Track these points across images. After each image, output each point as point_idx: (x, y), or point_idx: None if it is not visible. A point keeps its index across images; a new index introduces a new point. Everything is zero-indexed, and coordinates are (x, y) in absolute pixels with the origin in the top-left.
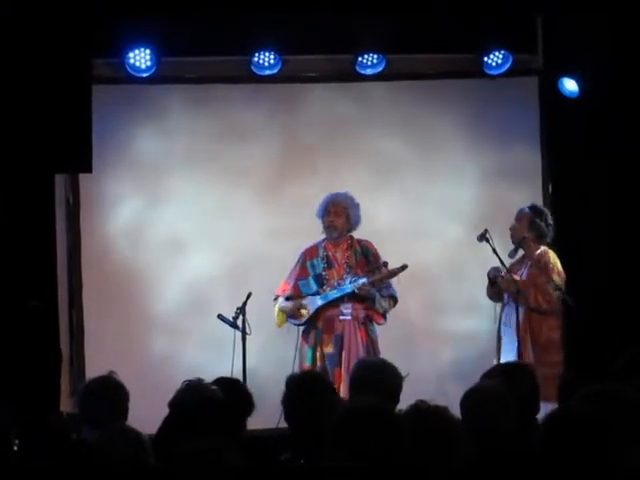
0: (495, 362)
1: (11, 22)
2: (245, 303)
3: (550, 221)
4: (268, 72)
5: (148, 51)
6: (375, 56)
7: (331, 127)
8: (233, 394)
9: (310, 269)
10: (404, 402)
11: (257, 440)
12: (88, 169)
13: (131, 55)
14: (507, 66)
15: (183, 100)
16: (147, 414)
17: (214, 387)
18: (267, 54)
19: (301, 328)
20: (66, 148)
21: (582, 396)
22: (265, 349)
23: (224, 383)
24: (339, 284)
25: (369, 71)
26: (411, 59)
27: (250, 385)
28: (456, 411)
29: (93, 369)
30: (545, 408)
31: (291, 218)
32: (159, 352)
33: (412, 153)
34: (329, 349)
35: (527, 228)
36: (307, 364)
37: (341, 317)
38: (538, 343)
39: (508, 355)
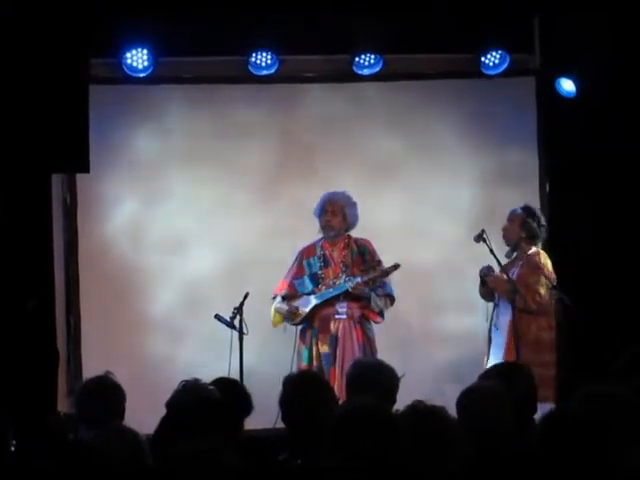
0: (485, 363)
1: (8, 22)
2: (242, 303)
3: (543, 222)
4: (265, 72)
5: (145, 51)
6: (372, 56)
7: (328, 127)
8: (232, 395)
9: (306, 268)
10: (401, 402)
11: (255, 440)
12: (85, 169)
13: (128, 55)
14: (504, 66)
15: (180, 100)
16: (144, 414)
17: (211, 387)
18: (264, 54)
19: (299, 328)
20: (63, 148)
21: (580, 396)
22: (262, 349)
23: (223, 384)
24: (334, 283)
25: (366, 71)
26: (408, 59)
27: (247, 385)
28: (453, 411)
29: (90, 369)
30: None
31: (289, 218)
32: (156, 352)
33: (409, 153)
34: (325, 348)
35: (519, 229)
36: (304, 364)
37: (336, 316)
38: (526, 343)
39: (496, 356)
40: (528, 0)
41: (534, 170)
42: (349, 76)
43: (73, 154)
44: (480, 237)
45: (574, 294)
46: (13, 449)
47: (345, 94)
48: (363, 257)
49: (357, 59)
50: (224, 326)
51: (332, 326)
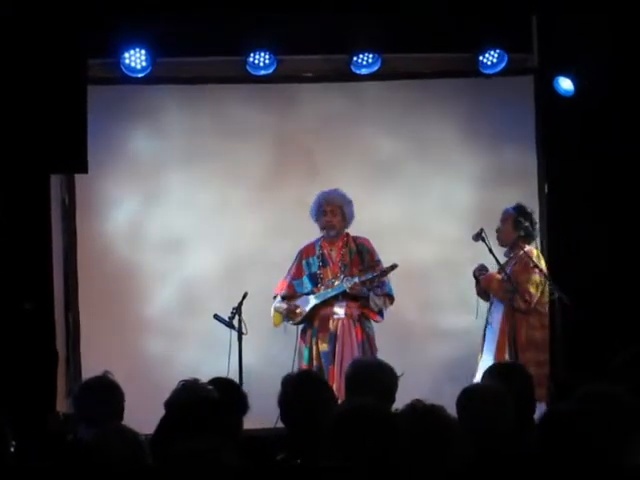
0: (478, 360)
1: (6, 22)
2: (241, 303)
3: (535, 220)
4: (263, 72)
5: (143, 51)
6: (370, 56)
7: (327, 127)
8: (228, 394)
9: (306, 268)
10: (399, 401)
11: (254, 440)
12: (84, 169)
13: (126, 55)
14: (502, 65)
15: (179, 100)
16: (144, 414)
17: (210, 387)
18: (262, 54)
19: (300, 327)
20: (61, 148)
21: (579, 396)
22: (261, 349)
23: (219, 383)
24: (333, 283)
25: (364, 71)
26: (406, 58)
27: (246, 385)
28: (452, 410)
29: (89, 369)
30: None
31: (288, 218)
32: (155, 352)
33: (408, 152)
34: (324, 347)
35: (512, 228)
36: (304, 363)
37: (335, 316)
38: (518, 342)
39: (488, 354)
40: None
41: (532, 169)
42: (347, 76)
43: (71, 155)
44: (479, 236)
45: (573, 293)
46: (13, 450)
47: (343, 94)
48: (362, 256)
49: (355, 58)
50: (223, 326)
51: (331, 325)
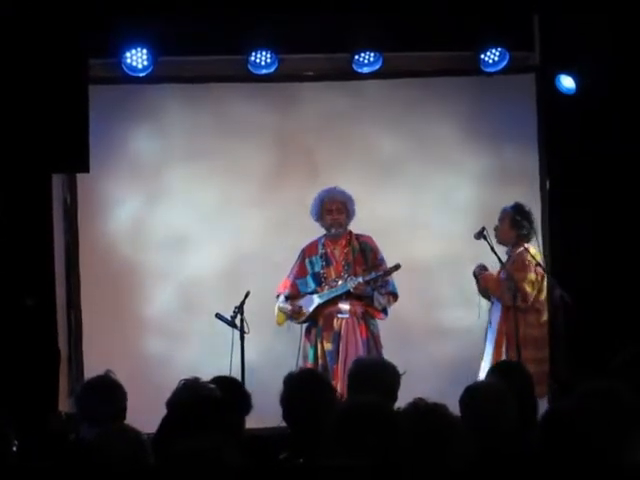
0: (481, 360)
1: (8, 22)
2: (243, 302)
3: (533, 219)
4: (265, 71)
5: (145, 51)
6: (372, 54)
7: (328, 125)
8: (230, 393)
9: (309, 267)
10: (402, 400)
11: (256, 439)
12: (85, 169)
13: (128, 55)
14: (504, 63)
15: (180, 99)
16: (146, 413)
17: (211, 386)
18: (264, 53)
19: (304, 327)
20: (63, 148)
21: (580, 393)
22: (264, 348)
23: (222, 382)
24: (336, 283)
25: (366, 69)
26: (408, 57)
27: (249, 384)
28: (454, 408)
29: (91, 369)
30: None
31: (290, 216)
32: (158, 351)
33: (409, 151)
34: (328, 346)
35: (510, 227)
36: (310, 362)
37: (339, 315)
38: (515, 341)
39: (487, 355)
40: None
41: (534, 167)
42: (349, 74)
43: (73, 154)
44: (480, 234)
45: (574, 291)
46: (15, 449)
47: (345, 92)
48: (365, 255)
49: (357, 57)
50: (225, 325)
51: (335, 323)
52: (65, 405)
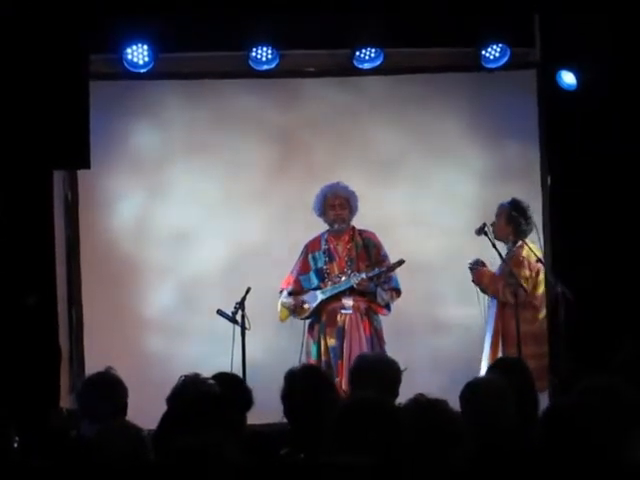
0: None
1: (8, 18)
2: (244, 298)
3: (530, 214)
4: (266, 67)
5: (146, 47)
6: (373, 50)
7: (329, 121)
8: (232, 389)
9: (312, 262)
10: (403, 396)
11: (257, 435)
12: (86, 165)
13: (129, 51)
14: (505, 59)
15: (181, 95)
16: (148, 410)
17: (211, 381)
18: (264, 49)
19: (307, 323)
20: (64, 144)
21: (581, 389)
22: (265, 344)
23: (223, 378)
24: (340, 279)
25: (367, 65)
26: (409, 53)
27: (250, 380)
28: (454, 404)
29: (92, 366)
30: None
31: (291, 212)
32: (159, 348)
33: (410, 147)
34: (332, 342)
35: (506, 223)
36: (313, 359)
37: (342, 311)
38: (511, 337)
39: (486, 350)
40: None
41: (535, 163)
42: (350, 70)
43: (74, 150)
44: (482, 230)
45: (575, 288)
46: (16, 446)
47: (346, 88)
48: (368, 251)
49: (358, 53)
50: (226, 321)
51: (339, 319)
52: (66, 402)
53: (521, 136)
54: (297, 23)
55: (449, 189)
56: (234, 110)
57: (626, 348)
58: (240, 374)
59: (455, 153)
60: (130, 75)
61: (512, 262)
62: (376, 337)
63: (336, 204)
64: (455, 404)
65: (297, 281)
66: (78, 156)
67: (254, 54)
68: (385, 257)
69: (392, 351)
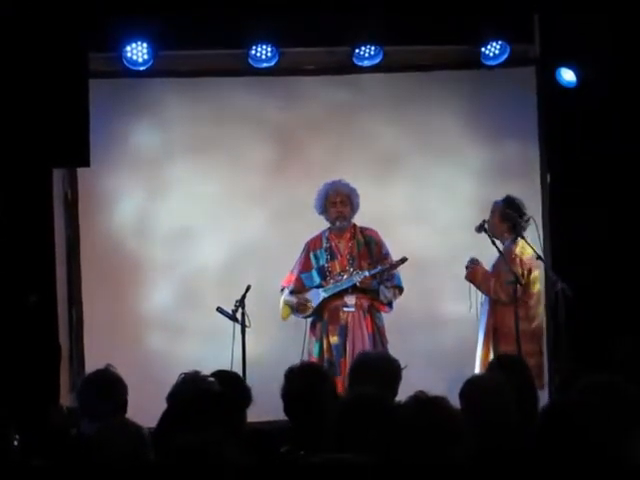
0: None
1: (8, 16)
2: (244, 296)
3: (524, 211)
4: (265, 65)
5: (145, 44)
6: (372, 48)
7: (329, 119)
8: (231, 387)
9: (313, 261)
10: (402, 393)
11: (257, 433)
12: (86, 163)
13: (128, 49)
14: (504, 56)
15: (181, 93)
16: (148, 408)
17: (211, 379)
18: (264, 47)
19: (309, 321)
20: (64, 142)
21: (581, 387)
22: (265, 342)
23: (222, 376)
24: (342, 277)
25: (366, 63)
26: (408, 50)
27: (250, 378)
28: (454, 400)
29: (92, 364)
30: None
31: (291, 210)
32: (159, 346)
33: (410, 144)
34: (334, 340)
35: (500, 220)
36: (315, 357)
37: (345, 309)
38: (502, 334)
39: (479, 348)
40: None
41: (535, 160)
42: (349, 68)
43: (73, 148)
44: (481, 227)
45: (575, 285)
46: (16, 444)
47: (345, 86)
48: (370, 248)
49: (357, 51)
50: (226, 319)
51: (341, 317)
52: (66, 400)
53: (521, 133)
54: (296, 21)
55: (449, 186)
56: (234, 108)
57: (626, 346)
58: (240, 372)
59: (454, 150)
60: (130, 73)
61: (504, 259)
62: (378, 335)
63: (337, 201)
64: (453, 401)
65: (299, 279)
66: (78, 154)
67: (254, 52)
68: (387, 255)
69: (392, 347)
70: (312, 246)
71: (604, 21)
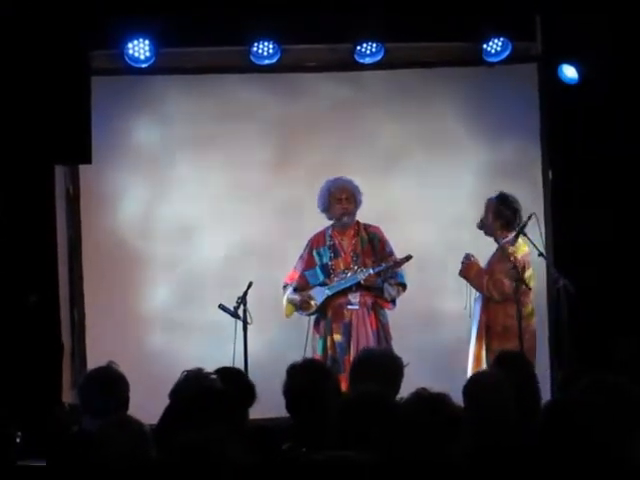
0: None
1: (10, 14)
2: (246, 292)
3: (518, 207)
4: (267, 62)
5: (147, 42)
6: (374, 45)
7: (330, 115)
8: (234, 384)
9: (317, 258)
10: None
11: (260, 429)
12: (87, 160)
13: (130, 46)
14: (506, 53)
15: (182, 90)
16: (150, 406)
17: (213, 376)
18: (266, 44)
19: (312, 318)
20: (65, 140)
21: (583, 386)
22: (267, 338)
23: (225, 373)
24: (346, 274)
25: (368, 60)
26: (410, 47)
27: (252, 375)
28: (456, 397)
29: (95, 361)
30: None
31: (292, 208)
32: (161, 343)
33: (411, 141)
34: (338, 337)
35: (493, 217)
36: (319, 354)
37: (349, 306)
38: (494, 331)
39: (471, 345)
40: None
41: (536, 157)
42: (351, 65)
43: (75, 145)
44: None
45: (577, 284)
46: (18, 441)
47: (347, 83)
48: (373, 246)
49: (359, 48)
50: (228, 316)
51: (345, 315)
52: (68, 398)
53: (523, 130)
54: (298, 18)
55: (450, 183)
56: (236, 105)
57: (628, 347)
58: (242, 369)
59: (456, 147)
60: (132, 70)
61: (497, 256)
62: (383, 331)
63: (343, 197)
64: (457, 398)
65: (302, 277)
66: (80, 151)
67: (255, 49)
68: (391, 252)
69: (396, 344)
70: (315, 243)
71: (606, 18)
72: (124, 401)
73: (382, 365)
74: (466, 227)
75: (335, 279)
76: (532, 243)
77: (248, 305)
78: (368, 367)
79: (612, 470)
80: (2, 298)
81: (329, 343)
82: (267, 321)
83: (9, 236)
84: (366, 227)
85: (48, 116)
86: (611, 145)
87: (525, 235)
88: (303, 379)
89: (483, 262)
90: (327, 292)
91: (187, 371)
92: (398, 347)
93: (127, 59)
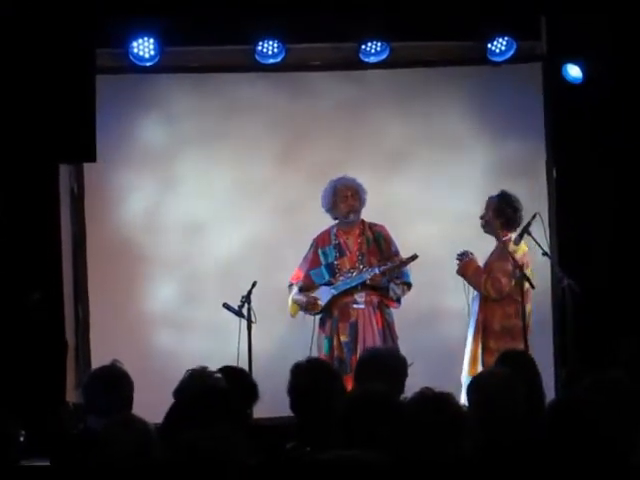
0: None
1: (15, 13)
2: (250, 291)
3: (518, 206)
4: (272, 61)
5: (152, 40)
6: (379, 44)
7: (335, 114)
8: (238, 383)
9: (322, 257)
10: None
11: (263, 429)
12: (92, 159)
13: (135, 45)
14: (511, 53)
15: (187, 89)
16: (154, 405)
17: (217, 375)
18: (270, 43)
19: (317, 317)
20: (70, 138)
21: (587, 384)
22: (271, 337)
23: (229, 372)
24: (351, 274)
25: (373, 59)
26: (415, 46)
27: (256, 374)
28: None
29: (99, 360)
30: None
31: (297, 207)
32: (165, 342)
33: (416, 140)
34: (345, 337)
35: (494, 216)
36: (324, 353)
37: (355, 306)
38: (491, 331)
39: (468, 342)
40: None
41: (541, 156)
42: (356, 64)
43: (80, 144)
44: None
45: (582, 283)
46: (22, 439)
47: (352, 82)
48: (379, 244)
49: (364, 47)
50: (233, 315)
51: (351, 314)
52: (72, 396)
53: (527, 129)
54: (303, 17)
55: (455, 182)
56: (240, 104)
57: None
58: (246, 368)
59: (460, 146)
60: (136, 69)
61: (495, 254)
62: (389, 330)
63: (348, 195)
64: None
65: (308, 276)
66: (84, 150)
67: (260, 48)
68: (396, 251)
69: (402, 342)
70: (320, 243)
71: (610, 18)
72: (128, 400)
73: (387, 364)
74: (471, 226)
75: (341, 278)
76: (536, 242)
77: (252, 304)
78: (373, 366)
79: (617, 464)
80: (6, 296)
81: (335, 343)
82: (271, 320)
83: (14, 234)
84: (371, 226)
85: (53, 114)
86: (615, 143)
87: (530, 234)
88: (307, 378)
89: (485, 261)
90: (333, 292)
91: (191, 370)
92: (405, 346)
93: (132, 58)
